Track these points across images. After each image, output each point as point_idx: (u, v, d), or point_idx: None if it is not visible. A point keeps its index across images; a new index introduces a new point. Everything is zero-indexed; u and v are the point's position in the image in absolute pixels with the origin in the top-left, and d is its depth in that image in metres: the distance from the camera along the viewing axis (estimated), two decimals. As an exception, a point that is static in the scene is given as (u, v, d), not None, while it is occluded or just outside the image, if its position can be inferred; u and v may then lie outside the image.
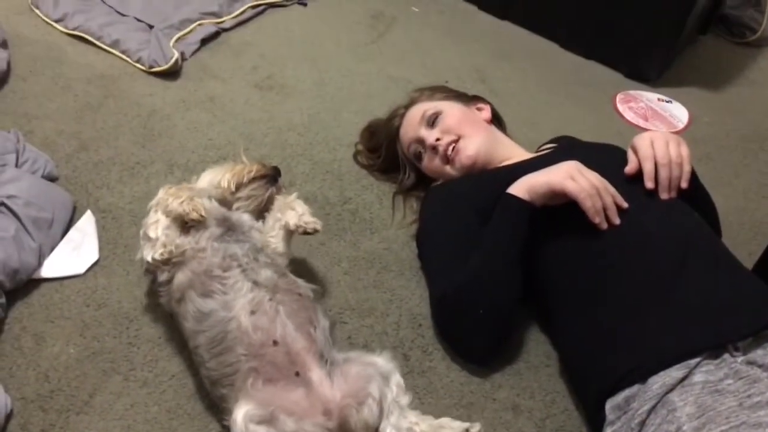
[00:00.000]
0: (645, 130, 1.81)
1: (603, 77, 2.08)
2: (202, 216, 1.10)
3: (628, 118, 1.90)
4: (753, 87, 2.12)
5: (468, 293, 1.20)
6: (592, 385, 1.08)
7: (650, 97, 1.99)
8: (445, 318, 1.25)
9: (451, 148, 1.40)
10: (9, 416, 1.04)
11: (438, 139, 1.41)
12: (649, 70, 2.04)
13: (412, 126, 1.47)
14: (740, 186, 1.70)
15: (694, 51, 2.25)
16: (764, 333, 1.01)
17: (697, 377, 0.97)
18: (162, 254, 1.09)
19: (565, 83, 2.03)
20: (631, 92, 2.00)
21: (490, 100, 1.62)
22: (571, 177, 1.16)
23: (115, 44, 1.81)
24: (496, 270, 1.19)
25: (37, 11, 1.90)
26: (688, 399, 0.94)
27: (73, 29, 1.84)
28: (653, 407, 0.96)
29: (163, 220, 1.10)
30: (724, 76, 2.16)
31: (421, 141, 1.45)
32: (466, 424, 1.03)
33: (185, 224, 1.11)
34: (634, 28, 2.00)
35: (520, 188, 1.19)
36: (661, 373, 0.98)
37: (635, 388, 1.00)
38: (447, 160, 1.41)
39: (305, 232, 1.18)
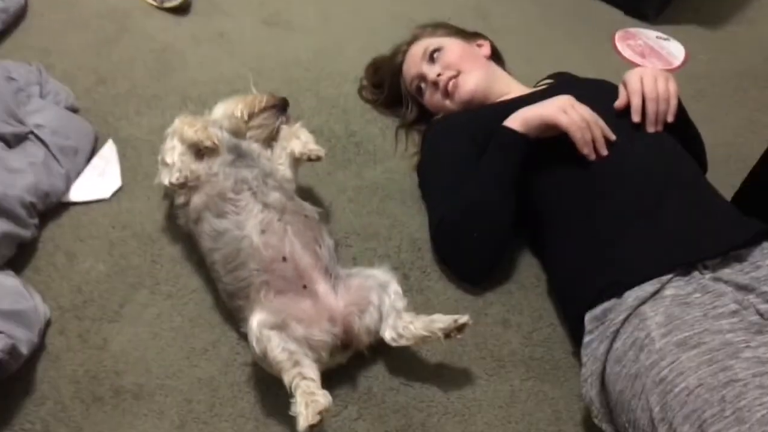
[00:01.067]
0: (641, 66, 1.86)
1: (603, 15, 2.12)
2: (215, 143, 1.19)
3: (626, 55, 1.95)
4: (751, 25, 2.16)
5: (464, 218, 1.29)
6: (574, 300, 1.19)
7: (649, 34, 2.03)
8: (443, 241, 1.35)
9: (451, 83, 1.47)
10: (48, 323, 1.16)
11: (439, 75, 1.48)
12: (648, 8, 2.08)
13: (414, 62, 1.54)
14: (730, 122, 1.77)
15: (695, -11, 2.28)
16: (731, 254, 1.11)
17: (668, 291, 1.06)
18: (178, 178, 1.18)
19: (565, 20, 2.07)
20: (631, 30, 2.05)
21: (491, 37, 1.68)
22: (563, 110, 1.24)
23: (127, -21, 1.86)
24: (491, 197, 1.28)
25: (49, -54, 1.94)
26: (658, 310, 1.04)
27: (86, -35, 1.89)
28: (627, 317, 1.06)
29: (179, 147, 1.19)
30: (723, 14, 2.19)
31: (422, 76, 1.52)
32: (456, 316, 1.12)
33: (199, 151, 1.20)
34: (634, -35, 2.04)
35: (515, 121, 1.27)
36: (636, 288, 1.08)
37: (612, 301, 1.10)
38: (447, 94, 1.48)
39: (309, 159, 1.27)
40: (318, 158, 1.27)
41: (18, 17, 1.70)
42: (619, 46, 1.98)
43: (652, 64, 1.91)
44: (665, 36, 2.03)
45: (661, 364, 0.97)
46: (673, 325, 1.01)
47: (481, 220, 1.28)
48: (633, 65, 1.90)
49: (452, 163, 1.38)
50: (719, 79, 1.92)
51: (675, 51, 1.98)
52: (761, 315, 1.03)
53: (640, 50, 1.97)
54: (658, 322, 1.02)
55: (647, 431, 0.97)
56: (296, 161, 1.29)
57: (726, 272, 1.09)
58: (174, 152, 1.19)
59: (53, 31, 1.71)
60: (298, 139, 1.29)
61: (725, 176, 1.46)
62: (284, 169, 1.29)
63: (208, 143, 1.18)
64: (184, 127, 1.19)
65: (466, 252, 1.32)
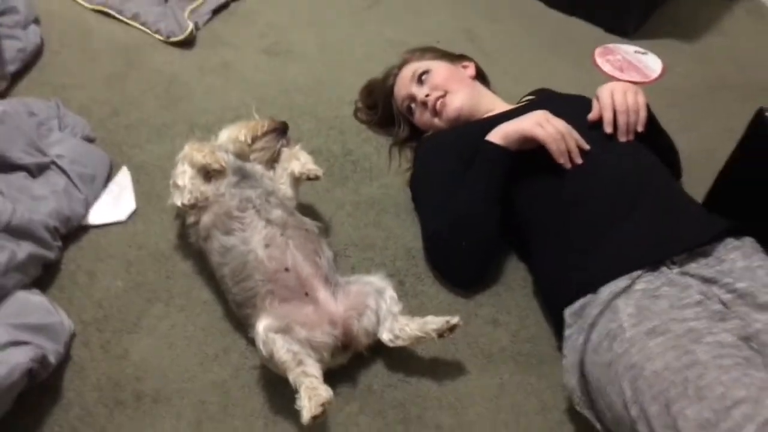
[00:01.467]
0: (621, 80, 1.97)
1: (584, 33, 2.23)
2: (222, 166, 1.30)
3: (606, 70, 2.06)
4: (725, 37, 2.27)
5: (452, 231, 1.40)
6: (556, 298, 1.28)
7: (627, 49, 2.14)
8: (435, 253, 1.45)
9: (438, 102, 1.58)
10: (72, 336, 1.26)
11: (427, 95, 1.59)
12: (626, 24, 2.19)
13: (404, 84, 1.65)
14: (706, 130, 1.86)
15: (672, 4, 2.38)
16: (698, 250, 1.20)
17: (639, 286, 1.16)
18: (189, 200, 1.29)
19: (548, 40, 2.18)
20: (610, 46, 2.16)
21: (479, 59, 1.79)
22: (539, 124, 1.34)
23: (135, 17, 1.99)
24: (477, 209, 1.38)
25: (62, -11, 2.08)
26: (629, 303, 1.13)
27: (97, 4, 2.02)
28: (602, 311, 1.15)
29: (189, 171, 1.31)
30: (699, 27, 2.30)
31: (412, 97, 1.63)
32: (447, 318, 1.22)
33: (208, 174, 1.31)
34: (612, -15, 2.15)
35: (496, 135, 1.38)
36: (610, 284, 1.17)
37: (588, 297, 1.20)
38: (436, 113, 1.59)
39: (309, 178, 1.38)
40: (316, 177, 1.38)
41: (35, 56, 1.83)
42: (599, 61, 2.09)
43: (631, 77, 2.02)
44: (643, 50, 2.14)
45: (632, 351, 1.07)
46: (642, 316, 1.10)
47: (468, 232, 1.39)
48: (613, 79, 2.01)
49: (441, 178, 1.48)
50: (695, 89, 2.02)
51: (652, 64, 2.09)
52: (724, 304, 1.13)
53: (619, 65, 2.08)
54: (629, 314, 1.12)
55: (622, 413, 1.07)
56: (296, 180, 1.40)
57: (692, 266, 1.18)
58: (185, 176, 1.30)
59: (68, 68, 1.84)
60: (298, 160, 1.40)
61: (701, 181, 1.55)
62: (285, 188, 1.39)
63: (216, 166, 1.30)
64: (194, 152, 1.31)
65: (456, 262, 1.42)
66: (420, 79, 1.62)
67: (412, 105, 1.64)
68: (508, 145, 1.37)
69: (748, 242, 1.23)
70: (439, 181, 1.49)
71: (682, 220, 1.26)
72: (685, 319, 1.08)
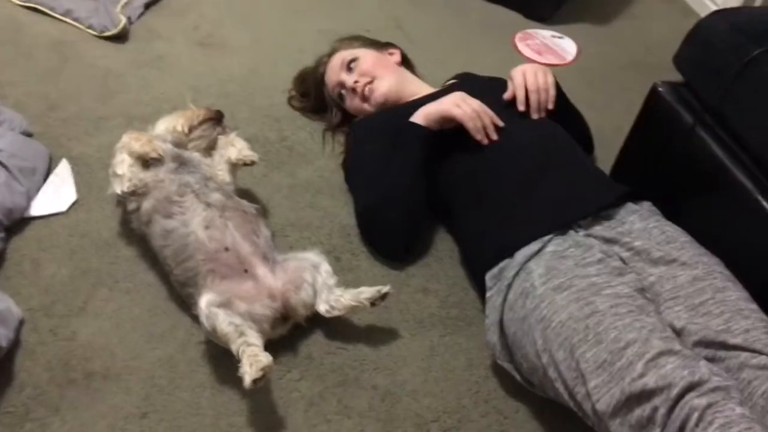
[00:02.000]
0: (539, 63, 2.10)
1: (505, 19, 2.36)
2: (159, 154, 1.37)
3: (526, 54, 2.19)
4: (634, 20, 2.43)
5: (382, 204, 1.50)
6: (478, 264, 1.40)
7: (545, 34, 2.28)
8: (365, 227, 1.55)
9: (367, 88, 1.67)
10: (21, 323, 1.31)
11: (356, 82, 1.68)
12: (543, 11, 2.33)
13: (334, 72, 1.74)
14: (617, 107, 2.01)
15: (587, -10, 2.54)
16: (602, 214, 1.33)
17: (549, 248, 1.28)
18: (129, 187, 1.35)
19: (472, 26, 2.30)
20: (529, 31, 2.29)
21: (406, 45, 1.89)
22: (456, 104, 1.45)
23: (67, 13, 2.01)
24: (403, 184, 1.49)
25: (-10, -14, 2.08)
26: (540, 263, 1.26)
27: (27, 1, 2.04)
28: (517, 272, 1.27)
29: (128, 159, 1.37)
30: (610, 11, 2.46)
31: (342, 84, 1.72)
32: (379, 287, 1.33)
33: (146, 162, 1.38)
34: (529, -26, 2.28)
35: (418, 116, 1.49)
36: (523, 249, 1.29)
37: (505, 261, 1.31)
38: (364, 98, 1.68)
39: (245, 164, 1.45)
40: (252, 162, 1.46)
41: (-33, 54, 1.84)
42: (519, 45, 2.22)
43: (549, 60, 2.15)
44: (559, 35, 2.28)
45: (541, 306, 1.19)
46: (551, 275, 1.22)
47: (395, 206, 1.49)
48: (532, 62, 2.13)
49: (370, 158, 1.58)
50: (607, 70, 2.18)
51: (568, 47, 2.23)
52: (623, 261, 1.26)
53: (537, 48, 2.21)
54: (540, 273, 1.24)
55: (535, 361, 1.19)
56: (233, 166, 1.47)
57: (596, 229, 1.32)
58: (124, 164, 1.36)
59: (2, 64, 1.86)
60: (234, 147, 1.47)
61: (613, 153, 1.70)
62: (223, 174, 1.46)
63: (153, 155, 1.36)
64: (132, 142, 1.37)
65: (385, 235, 1.52)
66: (349, 67, 1.70)
67: (342, 91, 1.73)
68: (429, 125, 1.47)
69: (646, 206, 1.37)
70: (368, 161, 1.59)
71: (586, 187, 1.39)
72: (587, 275, 1.20)
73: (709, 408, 0.95)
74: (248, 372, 1.15)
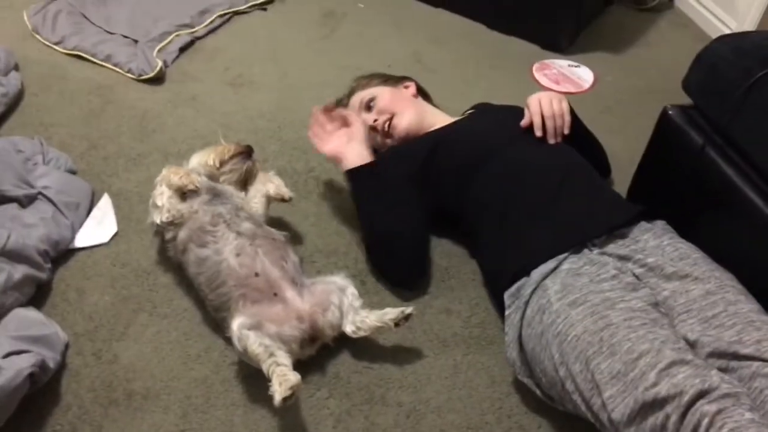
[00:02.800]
0: (557, 91, 2.16)
1: (522, 50, 2.43)
2: (196, 186, 1.46)
3: (543, 83, 2.26)
4: (650, 47, 2.49)
5: (375, 242, 1.58)
6: (497, 283, 1.45)
7: (562, 63, 2.35)
8: (371, 261, 1.62)
9: (387, 125, 1.74)
10: (67, 346, 1.40)
11: (376, 120, 1.75)
12: (560, 41, 2.40)
13: (354, 112, 1.82)
14: (633, 131, 2.04)
15: (602, 20, 2.61)
16: (616, 233, 1.38)
17: (564, 266, 1.33)
18: (167, 218, 1.44)
19: (490, 58, 2.38)
20: (546, 61, 2.36)
21: (426, 78, 1.97)
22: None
23: (107, 59, 2.15)
24: (379, 224, 1.55)
25: (38, 36, 2.24)
26: (556, 281, 1.31)
27: (71, 49, 2.18)
28: (534, 290, 1.32)
29: (167, 192, 1.46)
30: (626, 39, 2.52)
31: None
32: (402, 308, 1.38)
33: (183, 194, 1.47)
34: (545, 7, 2.36)
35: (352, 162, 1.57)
36: (539, 267, 1.34)
37: (523, 280, 1.37)
38: (386, 135, 1.75)
39: (282, 200, 1.57)
40: (289, 199, 1.58)
41: (17, 99, 1.98)
42: (537, 75, 2.29)
43: (566, 88, 2.22)
44: (576, 63, 2.35)
45: (557, 321, 1.24)
46: (566, 291, 1.27)
47: (383, 245, 1.56)
48: (550, 91, 2.20)
49: (383, 192, 1.62)
50: (623, 96, 2.23)
51: (585, 75, 2.29)
52: (636, 277, 1.31)
53: (555, 78, 2.28)
54: (556, 290, 1.29)
55: (553, 375, 1.23)
56: (268, 200, 1.58)
57: (611, 247, 1.36)
58: (163, 196, 1.45)
59: (48, 109, 1.99)
60: (272, 183, 1.59)
61: (630, 176, 1.74)
62: (257, 207, 1.56)
63: (191, 187, 1.45)
64: (170, 175, 1.46)
65: (389, 267, 1.59)
66: (368, 106, 1.78)
67: None
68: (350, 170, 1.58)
69: (660, 225, 1.42)
70: (380, 194, 1.64)
71: (600, 207, 1.44)
72: (601, 291, 1.25)
73: (719, 414, 0.99)
74: (278, 390, 1.21)
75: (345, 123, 1.62)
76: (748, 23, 2.34)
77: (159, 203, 1.46)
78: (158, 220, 1.46)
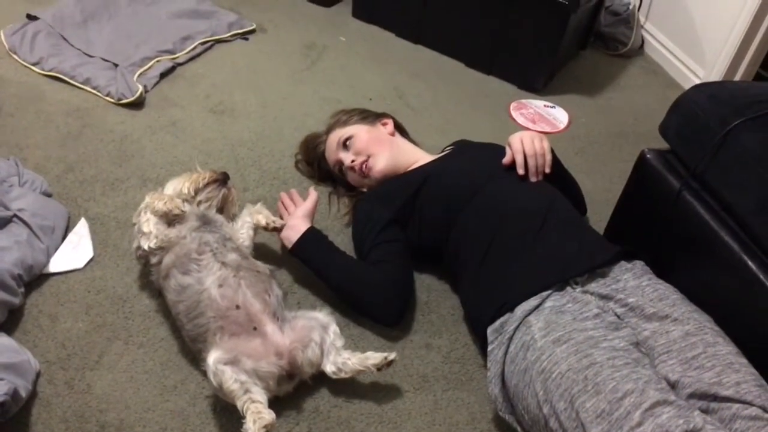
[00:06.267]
0: (533, 131, 2.21)
1: (500, 89, 2.49)
2: (182, 210, 1.44)
3: (520, 122, 2.31)
4: (623, 91, 2.58)
5: (343, 298, 1.59)
6: (479, 319, 1.46)
7: (538, 104, 2.41)
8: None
9: (364, 166, 1.75)
10: (38, 375, 1.35)
11: (353, 161, 1.76)
12: (536, 82, 2.46)
13: (332, 150, 1.82)
14: (607, 172, 2.12)
15: (576, 63, 2.69)
16: (597, 271, 1.40)
17: (547, 304, 1.35)
18: (156, 243, 1.42)
19: (469, 96, 2.43)
20: (523, 101, 2.42)
21: (406, 114, 2.00)
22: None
23: (86, 82, 2.12)
24: (340, 278, 1.57)
25: (15, 56, 2.20)
26: (540, 318, 1.32)
27: (49, 70, 2.15)
28: (517, 326, 1.33)
29: (152, 218, 1.44)
30: (599, 83, 2.60)
31: (341, 162, 1.80)
32: (386, 354, 1.38)
33: (170, 220, 1.45)
34: (522, 49, 2.43)
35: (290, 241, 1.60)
36: (523, 303, 1.36)
37: (506, 316, 1.38)
38: (363, 175, 1.77)
39: (273, 229, 1.57)
40: (282, 227, 1.59)
41: (-9, 119, 1.94)
42: (514, 114, 2.34)
43: (542, 128, 2.27)
44: (551, 104, 2.41)
45: (542, 358, 1.25)
46: (550, 328, 1.29)
47: (348, 297, 1.58)
48: (526, 130, 2.24)
49: (358, 245, 1.67)
50: (597, 137, 2.29)
51: (560, 116, 2.35)
52: (618, 316, 1.33)
53: (531, 117, 2.33)
54: (540, 327, 1.30)
55: (536, 412, 1.24)
56: (255, 231, 1.58)
57: (592, 286, 1.39)
58: (149, 223, 1.44)
59: (24, 129, 1.95)
60: (261, 214, 1.59)
61: (605, 217, 1.78)
62: (244, 238, 1.55)
63: (176, 212, 1.44)
64: (155, 201, 1.45)
65: (363, 313, 1.58)
66: (345, 145, 1.79)
67: (343, 168, 1.81)
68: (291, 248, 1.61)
69: (639, 265, 1.45)
70: (357, 240, 1.69)
71: (582, 246, 1.47)
72: (585, 329, 1.27)
73: (704, 454, 1.00)
74: (251, 429, 1.19)
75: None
76: (715, 72, 2.44)
77: (146, 230, 1.44)
78: (146, 246, 1.43)
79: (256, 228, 1.57)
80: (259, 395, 1.25)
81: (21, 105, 2.03)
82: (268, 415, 1.21)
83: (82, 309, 1.50)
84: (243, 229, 1.55)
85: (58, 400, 1.33)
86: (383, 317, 1.56)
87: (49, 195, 1.72)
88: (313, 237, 1.60)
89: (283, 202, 1.73)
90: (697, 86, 1.53)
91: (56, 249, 1.59)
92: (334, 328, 1.42)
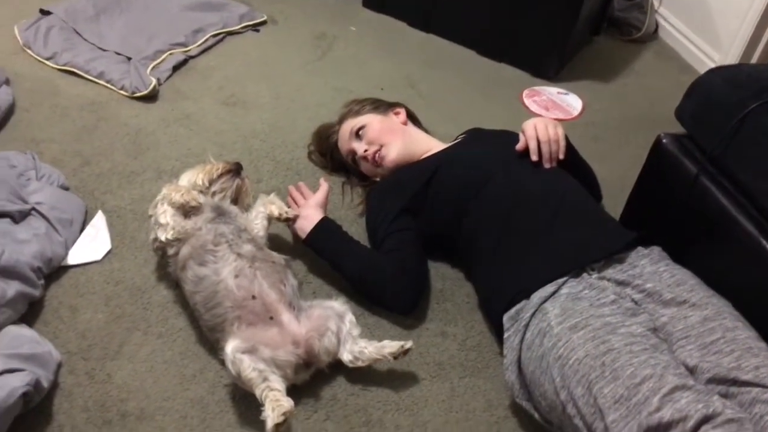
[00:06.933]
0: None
1: (512, 77, 2.48)
2: (198, 202, 1.45)
3: (533, 109, 2.30)
4: (637, 77, 2.55)
5: (357, 287, 1.59)
6: (495, 307, 1.46)
7: (551, 90, 2.39)
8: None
9: (377, 155, 1.75)
10: (59, 365, 1.37)
11: (366, 150, 1.76)
12: (549, 69, 2.45)
13: (344, 140, 1.82)
14: (622, 158, 2.10)
15: (589, 49, 2.67)
16: (614, 258, 1.40)
17: (564, 290, 1.34)
18: (173, 234, 1.44)
19: (481, 84, 2.42)
20: (536, 88, 2.41)
21: (418, 103, 1.99)
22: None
23: (100, 75, 2.13)
24: (353, 267, 1.58)
25: (29, 51, 2.21)
26: (556, 305, 1.32)
27: (63, 65, 2.16)
28: (533, 313, 1.33)
29: (170, 210, 1.45)
30: (613, 69, 2.58)
31: (354, 152, 1.80)
32: (402, 342, 1.38)
33: (186, 211, 1.46)
34: (535, 36, 2.41)
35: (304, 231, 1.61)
36: (539, 290, 1.36)
37: (522, 303, 1.38)
38: (376, 164, 1.76)
39: (286, 219, 1.58)
40: (294, 218, 1.60)
41: (8, 114, 1.95)
42: (527, 102, 2.33)
43: (556, 115, 2.26)
44: (565, 91, 2.39)
45: (558, 344, 1.25)
46: (566, 315, 1.28)
47: (364, 288, 1.58)
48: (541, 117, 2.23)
49: (373, 227, 1.67)
50: (612, 123, 2.28)
51: (574, 103, 2.34)
52: (635, 302, 1.32)
53: (544, 104, 2.32)
54: (556, 314, 1.30)
55: (553, 398, 1.24)
56: (269, 221, 1.58)
57: (609, 272, 1.38)
58: (166, 215, 1.45)
59: (39, 124, 1.97)
60: (273, 204, 1.59)
61: (620, 202, 1.77)
62: (258, 229, 1.55)
63: (193, 203, 1.45)
64: (171, 193, 1.46)
65: (377, 303, 1.58)
66: (357, 135, 1.79)
67: (356, 157, 1.82)
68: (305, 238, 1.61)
69: (656, 251, 1.44)
70: (371, 229, 1.69)
71: (599, 232, 1.47)
72: (602, 315, 1.26)
73: (724, 438, 1.00)
74: (270, 416, 1.20)
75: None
76: (731, 56, 2.41)
77: (163, 221, 1.45)
78: (163, 238, 1.45)
79: (270, 218, 1.57)
80: (278, 383, 1.26)
81: (36, 100, 2.05)
82: (287, 403, 1.22)
83: (102, 300, 1.52)
84: (257, 219, 1.56)
85: (79, 390, 1.35)
86: (397, 306, 1.56)
87: (66, 188, 1.73)
88: (327, 227, 1.61)
89: (292, 196, 1.73)
90: (713, 70, 1.51)
91: (74, 241, 1.60)
92: (350, 317, 1.42)
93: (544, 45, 2.42)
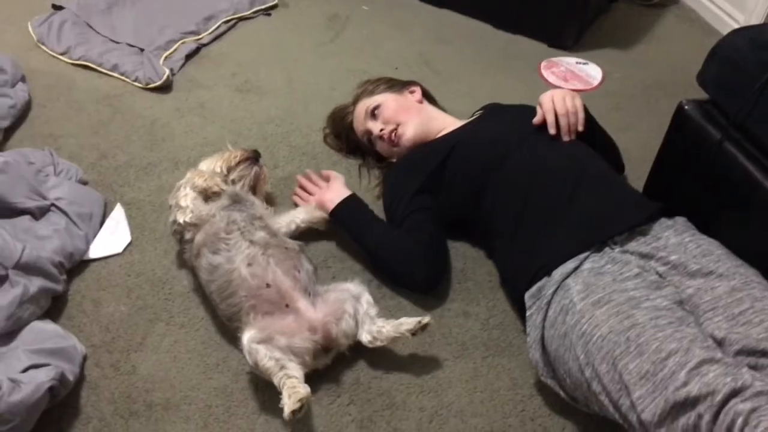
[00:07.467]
0: (566, 89, 2.15)
1: (529, 49, 2.42)
2: (221, 188, 1.46)
3: (551, 81, 2.25)
4: (658, 43, 2.48)
5: (379, 266, 1.59)
6: (516, 284, 1.44)
7: (569, 61, 2.34)
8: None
9: (393, 134, 1.73)
10: (84, 358, 1.39)
11: (382, 130, 1.74)
12: (567, 39, 2.39)
13: (359, 121, 1.80)
14: (644, 128, 2.05)
15: (607, 17, 2.60)
16: (636, 230, 1.37)
17: (586, 265, 1.32)
18: (191, 218, 1.45)
19: (497, 58, 2.37)
20: (553, 59, 2.35)
21: (433, 80, 1.96)
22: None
23: (114, 68, 2.14)
24: (377, 248, 1.57)
25: (43, 47, 2.22)
26: (578, 280, 1.29)
27: (77, 59, 2.17)
28: (555, 290, 1.31)
29: (191, 193, 1.47)
30: (632, 35, 2.51)
31: (369, 132, 1.78)
32: (419, 318, 1.36)
33: (207, 197, 1.47)
34: (550, 5, 2.35)
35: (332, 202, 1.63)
36: (560, 267, 1.33)
37: (544, 280, 1.35)
38: (393, 144, 1.74)
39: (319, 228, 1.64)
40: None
41: (25, 111, 1.97)
42: (545, 73, 2.28)
43: (575, 86, 2.21)
44: (584, 61, 2.34)
45: (582, 321, 1.22)
46: (589, 290, 1.26)
47: (386, 266, 1.58)
48: (558, 89, 2.18)
49: (392, 205, 1.65)
50: (632, 92, 2.22)
51: (593, 72, 2.28)
52: (660, 275, 1.29)
53: (563, 75, 2.27)
54: (578, 290, 1.27)
55: (578, 376, 1.22)
56: (299, 228, 1.61)
57: (632, 245, 1.35)
58: (187, 198, 1.46)
59: (56, 119, 1.98)
60: (315, 215, 1.63)
61: (642, 173, 1.73)
62: (286, 230, 1.57)
63: (215, 188, 1.47)
64: (195, 177, 1.48)
65: (398, 282, 1.58)
66: (373, 114, 1.77)
67: (371, 138, 1.79)
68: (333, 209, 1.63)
69: (680, 221, 1.40)
70: (389, 208, 1.67)
71: (620, 205, 1.43)
72: (625, 290, 1.24)
73: (754, 412, 0.97)
74: (287, 403, 1.21)
75: (326, 178, 1.74)
76: (755, 16, 2.33)
77: (183, 204, 1.46)
78: (181, 220, 1.46)
79: (307, 225, 1.61)
80: (295, 371, 1.27)
81: (52, 95, 2.06)
82: (303, 390, 1.22)
83: (124, 292, 1.53)
84: (287, 219, 1.59)
85: (105, 382, 1.36)
86: (417, 284, 1.55)
87: (84, 183, 1.74)
88: (355, 201, 1.63)
89: (301, 185, 1.74)
90: (735, 31, 1.46)
91: (95, 235, 1.61)
92: (366, 297, 1.41)
93: (561, 14, 2.36)
